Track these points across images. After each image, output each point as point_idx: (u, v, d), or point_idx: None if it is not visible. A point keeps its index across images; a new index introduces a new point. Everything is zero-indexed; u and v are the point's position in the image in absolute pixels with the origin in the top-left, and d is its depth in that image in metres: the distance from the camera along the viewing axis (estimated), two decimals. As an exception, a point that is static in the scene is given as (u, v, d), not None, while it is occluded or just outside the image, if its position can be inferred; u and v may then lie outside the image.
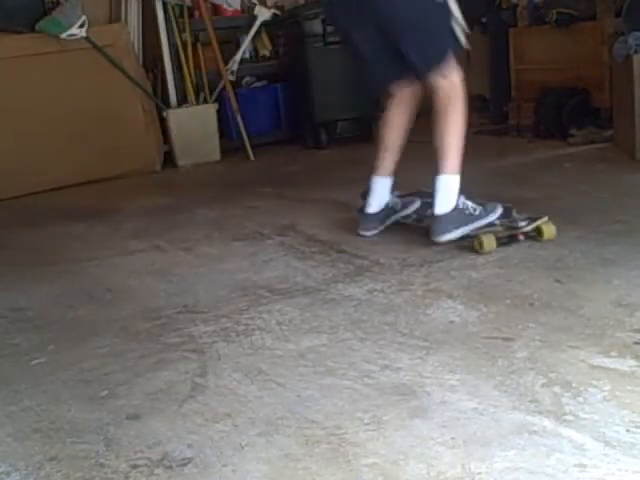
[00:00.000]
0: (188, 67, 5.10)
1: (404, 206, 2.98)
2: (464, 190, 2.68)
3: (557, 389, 1.61)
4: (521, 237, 2.63)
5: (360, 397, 1.67)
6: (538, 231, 2.63)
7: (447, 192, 2.65)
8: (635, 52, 3.65)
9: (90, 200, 4.31)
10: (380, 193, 2.93)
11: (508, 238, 2.63)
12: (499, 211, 2.70)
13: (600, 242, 2.48)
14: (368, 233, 2.95)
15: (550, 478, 1.32)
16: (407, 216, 2.98)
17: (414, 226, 2.92)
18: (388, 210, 2.96)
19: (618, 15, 4.23)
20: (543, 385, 1.64)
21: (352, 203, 3.46)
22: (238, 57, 5.30)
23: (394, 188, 2.98)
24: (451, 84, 2.66)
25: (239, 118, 5.05)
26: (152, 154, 4.94)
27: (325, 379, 1.78)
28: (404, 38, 2.66)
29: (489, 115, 5.41)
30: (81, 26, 4.60)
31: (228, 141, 5.20)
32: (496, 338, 1.91)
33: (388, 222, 2.97)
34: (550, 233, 2.61)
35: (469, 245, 2.60)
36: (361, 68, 3.11)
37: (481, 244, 2.55)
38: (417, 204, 2.97)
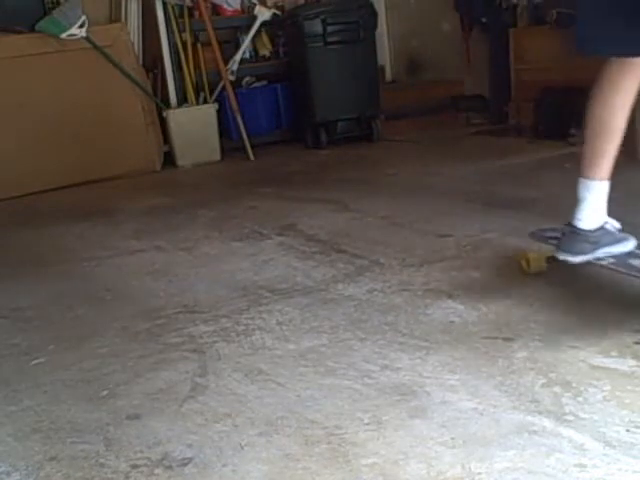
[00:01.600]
0: (188, 67, 5.10)
1: (617, 240, 2.11)
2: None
3: (557, 389, 1.61)
4: None
5: (360, 397, 1.67)
6: None
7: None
8: (635, 52, 3.64)
9: (90, 200, 4.31)
10: (593, 204, 2.07)
11: None
12: (633, 241, 2.10)
13: (600, 242, 2.46)
14: (574, 259, 2.08)
15: (550, 478, 1.32)
16: (611, 259, 2.09)
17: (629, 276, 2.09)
18: (604, 234, 2.08)
19: (618, 15, 4.23)
20: (543, 385, 1.64)
21: (351, 203, 3.47)
22: (238, 57, 5.30)
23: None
24: None
25: (239, 118, 5.04)
26: (152, 154, 4.94)
27: (325, 379, 1.78)
28: None
29: (489, 115, 5.41)
30: (81, 26, 4.61)
31: (228, 141, 5.19)
32: (496, 338, 1.91)
33: (601, 253, 2.08)
34: None
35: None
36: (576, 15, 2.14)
37: None
38: (633, 243, 2.12)
